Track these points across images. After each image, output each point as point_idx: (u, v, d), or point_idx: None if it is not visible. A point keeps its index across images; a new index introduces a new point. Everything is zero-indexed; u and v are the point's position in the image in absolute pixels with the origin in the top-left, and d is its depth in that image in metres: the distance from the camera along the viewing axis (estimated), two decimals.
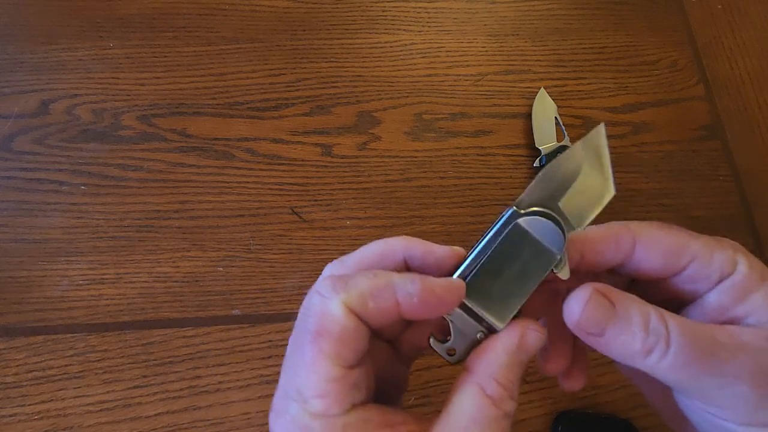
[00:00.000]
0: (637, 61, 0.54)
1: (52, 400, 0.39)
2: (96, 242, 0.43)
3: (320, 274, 0.44)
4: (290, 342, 0.22)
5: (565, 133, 0.49)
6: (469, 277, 0.22)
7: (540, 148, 0.48)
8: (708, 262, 0.22)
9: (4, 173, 0.45)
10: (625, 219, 0.23)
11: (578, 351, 0.25)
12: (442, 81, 0.51)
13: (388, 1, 0.53)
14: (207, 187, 0.45)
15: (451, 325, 0.22)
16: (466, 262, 0.22)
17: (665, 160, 0.50)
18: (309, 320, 0.20)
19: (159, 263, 0.43)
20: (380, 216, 0.46)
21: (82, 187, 0.45)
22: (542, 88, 0.50)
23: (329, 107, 0.49)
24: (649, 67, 0.54)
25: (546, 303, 0.24)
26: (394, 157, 0.48)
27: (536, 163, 0.48)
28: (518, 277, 0.22)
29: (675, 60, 0.54)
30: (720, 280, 0.22)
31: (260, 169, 0.46)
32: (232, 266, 0.43)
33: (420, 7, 0.53)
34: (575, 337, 0.23)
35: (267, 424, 0.39)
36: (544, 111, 0.50)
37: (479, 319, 0.22)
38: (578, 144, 0.22)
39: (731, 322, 0.21)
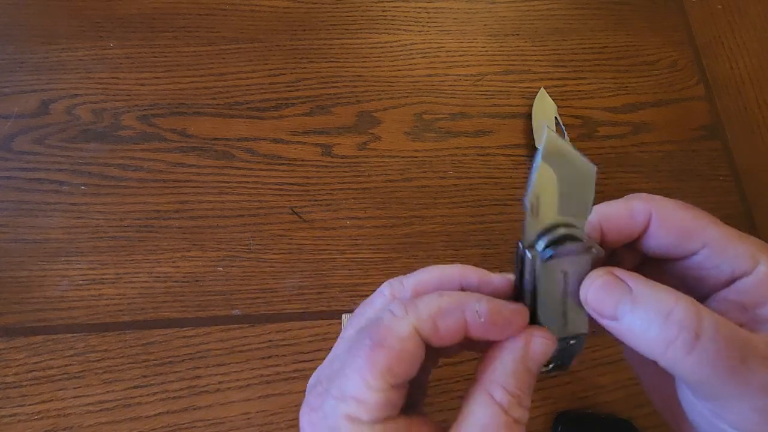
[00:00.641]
0: (637, 61, 0.54)
1: (52, 400, 0.39)
2: (96, 242, 0.43)
3: (320, 273, 0.44)
4: (343, 343, 0.22)
5: (565, 133, 0.49)
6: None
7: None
8: (721, 251, 0.21)
9: (5, 173, 0.45)
10: None
11: None
12: (442, 81, 0.51)
13: (388, 1, 0.53)
14: (207, 187, 0.45)
15: None
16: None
17: (665, 160, 0.50)
18: (373, 330, 0.21)
19: (159, 263, 0.43)
20: (380, 216, 0.46)
21: (82, 187, 0.45)
22: (542, 88, 0.50)
23: (329, 107, 0.49)
24: (649, 67, 0.54)
25: None
26: (394, 157, 0.48)
27: None
28: (574, 283, 0.22)
29: (675, 60, 0.54)
30: (732, 276, 0.21)
31: (260, 169, 0.46)
32: (232, 266, 0.43)
33: (420, 7, 0.53)
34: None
35: (267, 424, 0.40)
36: (544, 111, 0.50)
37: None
38: (539, 162, 0.21)
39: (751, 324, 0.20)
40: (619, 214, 0.22)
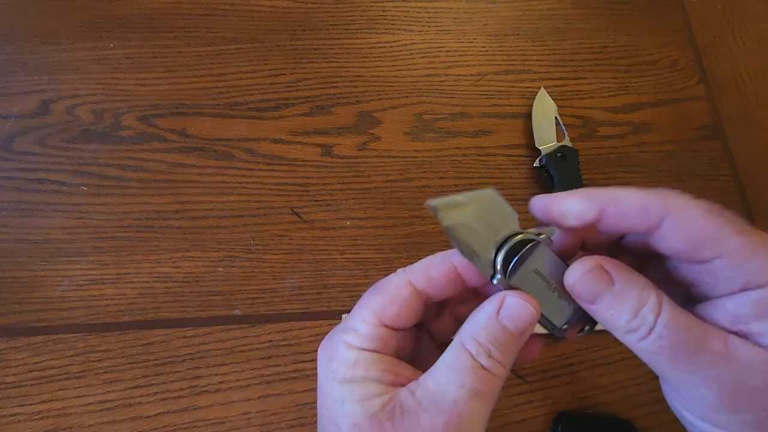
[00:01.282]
0: (638, 61, 0.54)
1: (52, 400, 0.39)
2: (96, 242, 0.43)
3: (320, 274, 0.44)
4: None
5: (565, 133, 0.49)
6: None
7: (540, 148, 0.48)
8: (737, 264, 0.21)
9: (5, 173, 0.45)
10: None
11: None
12: (442, 81, 0.51)
13: (388, 1, 0.53)
14: (207, 187, 0.45)
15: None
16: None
17: (665, 160, 0.50)
18: (378, 284, 0.26)
19: (159, 263, 0.43)
20: (380, 216, 0.46)
21: (83, 188, 0.45)
22: (542, 88, 0.50)
23: (329, 107, 0.49)
24: (650, 67, 0.54)
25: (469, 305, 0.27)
26: (394, 157, 0.48)
27: (536, 163, 0.48)
28: (550, 272, 0.24)
29: (675, 60, 0.54)
30: (743, 287, 0.21)
31: (260, 170, 0.46)
32: (233, 266, 0.43)
33: (420, 7, 0.53)
34: None
35: (267, 424, 0.40)
36: (544, 111, 0.50)
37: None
38: (447, 228, 0.23)
39: (743, 333, 0.21)
40: (630, 204, 0.22)
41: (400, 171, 0.47)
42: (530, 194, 0.47)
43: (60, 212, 0.44)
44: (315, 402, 0.40)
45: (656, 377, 0.23)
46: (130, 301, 0.42)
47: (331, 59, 0.51)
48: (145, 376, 0.40)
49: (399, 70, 0.51)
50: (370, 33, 0.52)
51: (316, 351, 0.41)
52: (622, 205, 0.22)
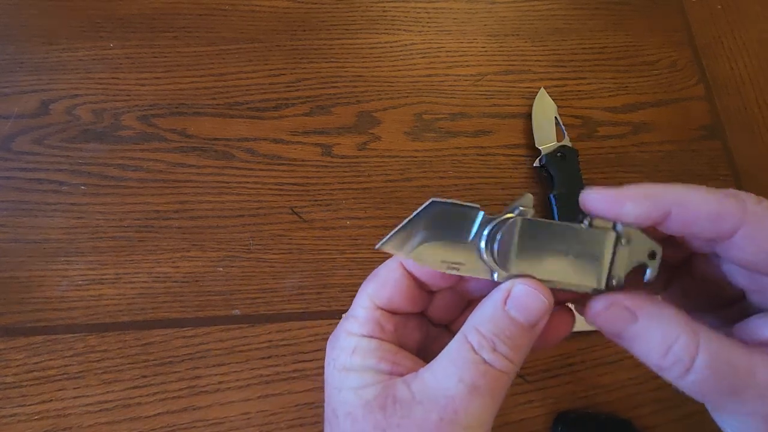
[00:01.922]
0: (637, 61, 0.54)
1: (51, 400, 0.39)
2: (96, 242, 0.43)
3: (320, 273, 0.44)
4: None
5: (565, 133, 0.49)
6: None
7: (540, 148, 0.48)
8: None
9: (4, 173, 0.45)
10: None
11: None
12: (442, 81, 0.51)
13: (388, 1, 0.53)
14: (207, 187, 0.45)
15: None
16: None
17: (665, 160, 0.50)
18: (375, 270, 0.26)
19: (159, 263, 0.43)
20: (380, 216, 0.46)
21: (82, 188, 0.45)
22: (542, 88, 0.50)
23: (329, 107, 0.49)
24: (649, 67, 0.54)
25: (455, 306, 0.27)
26: (394, 157, 0.48)
27: (536, 163, 0.48)
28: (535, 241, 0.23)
29: (675, 60, 0.54)
30: None
31: (260, 169, 0.46)
32: (232, 266, 0.43)
33: (420, 7, 0.53)
34: None
35: (267, 424, 0.40)
36: (544, 111, 0.50)
37: None
38: (412, 262, 0.24)
39: None
40: (700, 208, 0.20)
41: (400, 171, 0.47)
42: (530, 194, 0.47)
43: (59, 212, 0.44)
44: (314, 402, 0.40)
45: (656, 377, 0.22)
46: (129, 301, 0.42)
47: (332, 59, 0.51)
48: (144, 376, 0.40)
49: (399, 70, 0.51)
50: (370, 33, 0.52)
51: (316, 351, 0.41)
52: (690, 209, 0.20)
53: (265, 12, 0.52)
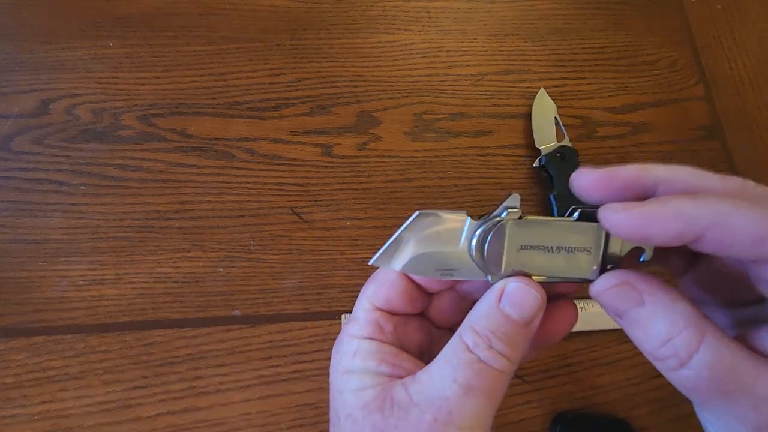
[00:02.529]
0: (637, 61, 0.54)
1: (52, 400, 0.39)
2: (96, 243, 0.43)
3: (320, 274, 0.45)
4: None
5: (565, 133, 0.49)
6: None
7: (540, 148, 0.48)
8: None
9: (4, 173, 0.44)
10: None
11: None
12: (442, 81, 0.51)
13: (388, 1, 0.53)
14: (207, 187, 0.45)
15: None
16: None
17: (665, 160, 0.50)
18: (374, 273, 0.26)
19: (159, 264, 0.43)
20: (380, 216, 0.46)
21: (82, 188, 0.45)
22: (542, 88, 0.50)
23: (329, 107, 0.49)
24: (649, 67, 0.54)
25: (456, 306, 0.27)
26: (394, 157, 0.48)
27: (536, 163, 0.48)
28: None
29: (674, 60, 0.54)
30: None
31: (260, 170, 0.46)
32: (233, 267, 0.43)
33: (420, 7, 0.53)
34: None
35: (267, 424, 0.40)
36: (544, 111, 0.50)
37: None
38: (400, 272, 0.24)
39: None
40: (742, 230, 0.18)
41: (401, 171, 0.47)
42: (530, 194, 0.48)
43: (59, 212, 0.44)
44: (315, 403, 0.40)
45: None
46: (129, 302, 0.42)
47: (332, 59, 0.50)
48: (144, 377, 0.40)
49: (399, 70, 0.51)
50: (370, 33, 0.52)
51: (316, 352, 0.42)
52: (730, 231, 0.18)
53: (266, 11, 0.52)
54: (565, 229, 0.23)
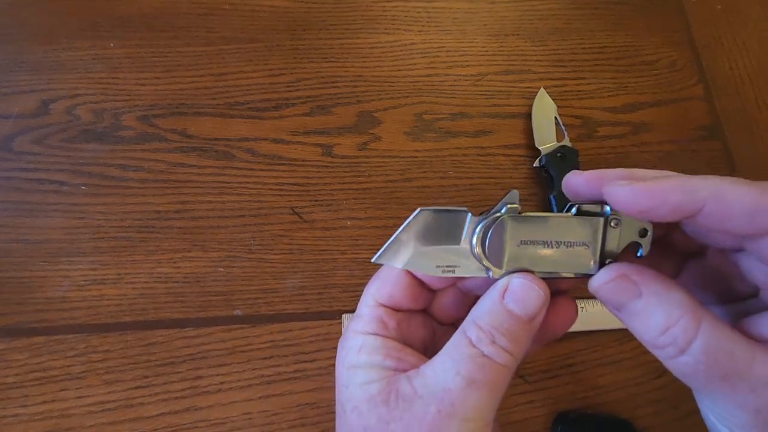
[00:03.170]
0: (637, 61, 0.54)
1: (53, 400, 0.39)
2: (97, 243, 0.43)
3: (321, 274, 0.45)
4: None
5: (565, 133, 0.49)
6: None
7: (540, 148, 0.48)
8: None
9: (5, 173, 0.44)
10: None
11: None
12: (442, 81, 0.51)
13: (388, 1, 0.53)
14: (207, 187, 0.45)
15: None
16: None
17: (665, 160, 0.50)
18: (378, 270, 0.26)
19: (160, 264, 0.43)
20: (381, 216, 0.46)
21: (83, 188, 0.45)
22: (542, 88, 0.50)
23: (329, 107, 0.49)
24: (649, 67, 0.54)
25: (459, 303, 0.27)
26: (395, 157, 0.48)
27: (536, 163, 0.48)
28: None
29: (674, 60, 0.54)
30: None
31: (260, 170, 0.46)
32: (233, 266, 0.43)
33: (420, 7, 0.53)
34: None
35: (268, 424, 0.40)
36: (544, 111, 0.50)
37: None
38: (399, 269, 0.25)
39: None
40: (738, 203, 0.19)
41: (401, 171, 0.47)
42: (530, 194, 0.48)
43: (60, 212, 0.44)
44: (316, 402, 0.40)
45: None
46: (130, 302, 0.42)
47: (332, 59, 0.50)
48: (146, 377, 0.40)
49: (399, 70, 0.51)
50: (371, 33, 0.52)
51: (317, 351, 0.42)
52: (727, 203, 0.19)
53: (265, 12, 0.52)
54: (564, 224, 0.23)
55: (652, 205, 0.20)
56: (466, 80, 0.51)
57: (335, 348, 0.41)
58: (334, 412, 0.40)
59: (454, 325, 0.28)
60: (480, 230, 0.23)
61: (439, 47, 0.52)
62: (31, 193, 0.44)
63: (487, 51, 0.53)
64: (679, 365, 0.20)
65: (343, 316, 0.43)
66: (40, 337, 0.40)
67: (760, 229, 0.19)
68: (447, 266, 0.23)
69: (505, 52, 0.53)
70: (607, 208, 0.23)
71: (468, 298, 0.27)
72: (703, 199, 0.19)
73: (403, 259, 0.23)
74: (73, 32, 0.49)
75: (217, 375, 0.40)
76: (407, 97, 0.50)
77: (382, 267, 0.26)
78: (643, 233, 0.23)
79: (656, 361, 0.21)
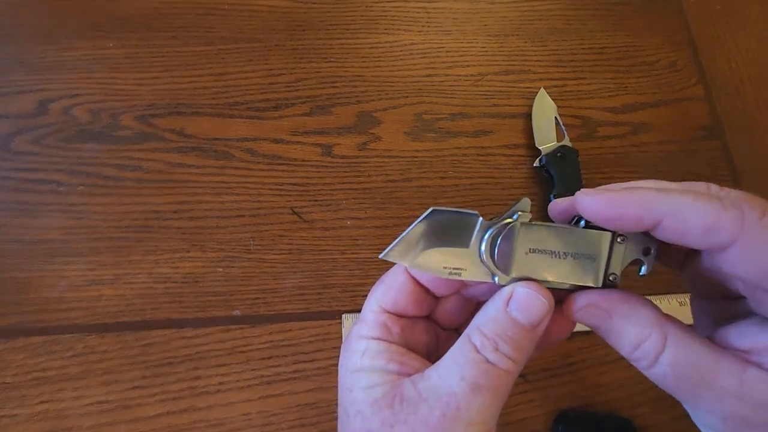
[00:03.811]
0: (637, 61, 0.54)
1: (51, 401, 0.39)
2: (94, 243, 0.43)
3: (320, 274, 0.45)
4: None
5: (565, 133, 0.49)
6: None
7: (540, 148, 0.48)
8: None
9: (2, 173, 0.44)
10: None
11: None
12: (442, 81, 0.51)
13: (388, 1, 0.53)
14: (206, 187, 0.45)
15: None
16: None
17: (665, 160, 0.50)
18: (382, 276, 0.27)
19: (158, 264, 0.43)
20: (380, 216, 0.46)
21: (80, 188, 0.44)
22: (542, 88, 0.50)
23: (329, 107, 0.49)
24: (649, 67, 0.54)
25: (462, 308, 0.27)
26: (394, 157, 0.48)
27: (536, 163, 0.48)
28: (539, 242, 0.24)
29: (674, 60, 0.54)
30: None
31: (260, 170, 0.46)
32: (232, 267, 0.43)
33: (420, 7, 0.53)
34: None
35: (267, 424, 0.40)
36: (544, 111, 0.50)
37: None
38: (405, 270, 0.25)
39: None
40: (693, 220, 0.20)
41: (401, 171, 0.47)
42: (530, 194, 0.48)
43: (58, 212, 0.44)
44: (315, 403, 0.40)
45: None
46: (128, 302, 0.42)
47: (331, 59, 0.50)
48: (144, 377, 0.40)
49: (399, 70, 0.51)
50: (370, 33, 0.52)
51: (317, 351, 0.41)
52: (681, 221, 0.20)
53: (265, 12, 0.52)
54: (573, 236, 0.23)
55: (612, 215, 0.21)
56: (466, 80, 0.51)
57: (335, 348, 0.42)
58: (333, 413, 0.40)
59: (457, 330, 0.28)
60: (490, 235, 0.23)
61: (439, 47, 0.52)
62: (28, 193, 0.44)
63: (487, 51, 0.53)
64: (652, 376, 0.22)
65: (343, 316, 0.42)
66: (38, 338, 0.40)
67: (716, 245, 0.20)
68: (454, 269, 0.23)
69: (505, 52, 0.53)
70: None
71: (471, 304, 0.28)
72: (660, 214, 0.20)
73: (411, 258, 0.23)
74: (72, 32, 0.49)
75: (216, 375, 0.40)
76: (407, 97, 0.50)
77: (387, 273, 0.26)
78: (646, 251, 0.24)
79: None
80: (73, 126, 0.46)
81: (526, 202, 0.23)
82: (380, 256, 0.23)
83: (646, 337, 0.21)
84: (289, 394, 0.40)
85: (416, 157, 0.48)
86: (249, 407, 0.40)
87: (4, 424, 0.38)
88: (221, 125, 0.47)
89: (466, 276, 0.23)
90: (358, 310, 0.42)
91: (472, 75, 0.51)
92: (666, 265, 0.26)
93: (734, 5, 0.57)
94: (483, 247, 0.23)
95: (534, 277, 0.23)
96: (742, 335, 0.21)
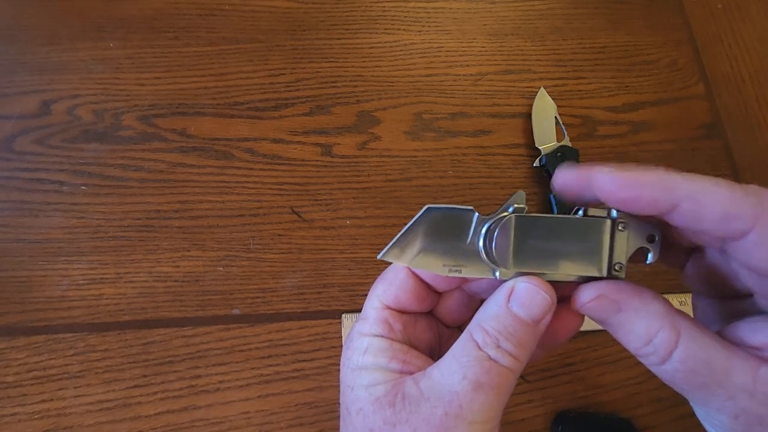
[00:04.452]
0: (637, 60, 0.54)
1: (52, 399, 0.39)
2: (96, 242, 0.43)
3: (320, 273, 0.45)
4: None
5: (565, 133, 0.49)
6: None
7: (540, 147, 0.48)
8: None
9: (6, 173, 0.45)
10: None
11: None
12: (442, 81, 0.51)
13: (388, 1, 0.53)
14: (207, 187, 0.45)
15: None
16: None
17: (666, 159, 0.50)
18: (383, 272, 0.27)
19: (159, 263, 0.43)
20: (380, 216, 0.46)
21: (83, 187, 0.45)
22: (542, 88, 0.50)
23: (329, 107, 0.49)
24: (649, 66, 0.54)
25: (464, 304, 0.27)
26: (394, 157, 0.48)
27: (536, 163, 0.48)
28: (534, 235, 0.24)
29: (675, 59, 0.54)
30: None
31: (260, 169, 0.46)
32: (232, 266, 0.43)
33: (420, 7, 0.53)
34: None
35: (266, 423, 0.40)
36: (544, 111, 0.50)
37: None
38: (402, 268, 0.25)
39: None
40: (712, 206, 0.19)
41: (400, 170, 0.47)
42: (530, 194, 0.47)
43: (60, 212, 0.44)
44: (314, 402, 0.40)
45: (656, 377, 0.22)
46: (129, 301, 0.42)
47: (331, 59, 0.51)
48: (144, 376, 0.40)
49: (399, 70, 0.51)
50: (370, 33, 0.52)
51: (316, 351, 0.41)
52: (700, 205, 0.19)
53: (265, 12, 0.52)
54: (571, 226, 0.23)
55: (629, 196, 0.20)
56: (466, 80, 0.51)
57: (334, 347, 0.42)
58: (332, 412, 0.40)
59: (459, 327, 0.28)
60: (487, 229, 0.23)
61: (438, 47, 0.52)
62: (31, 193, 0.44)
63: (486, 51, 0.53)
64: (662, 372, 0.21)
65: (343, 315, 0.42)
66: (39, 336, 0.41)
67: (733, 232, 0.19)
68: (453, 265, 0.23)
69: (505, 52, 0.53)
70: (614, 212, 0.23)
71: (473, 300, 0.27)
72: (679, 198, 0.20)
73: (409, 257, 0.23)
74: (74, 33, 0.49)
75: (216, 374, 0.40)
76: (407, 96, 0.50)
77: (388, 269, 0.26)
78: (651, 239, 0.23)
79: None
80: (76, 126, 0.46)
81: (521, 195, 0.23)
82: (378, 257, 0.23)
83: (656, 332, 0.21)
84: (288, 393, 0.40)
85: (416, 156, 0.48)
86: (248, 406, 0.40)
87: (6, 423, 0.38)
88: (222, 125, 0.47)
89: (466, 273, 0.23)
90: (358, 310, 0.43)
91: (471, 74, 0.51)
92: (667, 265, 0.25)
93: (735, 3, 0.57)
94: (480, 243, 0.23)
95: (535, 270, 0.23)
96: (754, 331, 0.21)
